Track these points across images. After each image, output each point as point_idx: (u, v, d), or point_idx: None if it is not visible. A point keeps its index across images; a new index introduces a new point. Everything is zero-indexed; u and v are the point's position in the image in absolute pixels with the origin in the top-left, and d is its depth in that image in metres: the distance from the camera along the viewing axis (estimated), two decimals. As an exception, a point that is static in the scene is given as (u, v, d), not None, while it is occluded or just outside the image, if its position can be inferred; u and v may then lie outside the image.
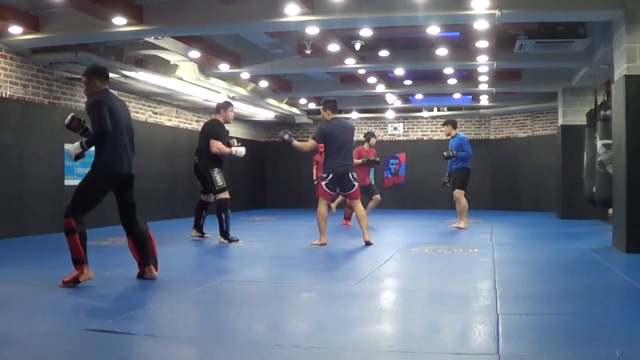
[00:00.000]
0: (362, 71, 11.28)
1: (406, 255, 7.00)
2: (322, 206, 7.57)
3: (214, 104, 9.38)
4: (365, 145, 11.02)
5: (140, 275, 5.06)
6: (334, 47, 9.37)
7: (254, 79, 12.27)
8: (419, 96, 14.81)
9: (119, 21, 7.57)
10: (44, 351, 3.09)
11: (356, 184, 7.67)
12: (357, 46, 9.77)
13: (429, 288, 5.07)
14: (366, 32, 9.02)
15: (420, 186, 16.26)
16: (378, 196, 10.91)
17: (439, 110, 16.40)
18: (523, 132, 15.70)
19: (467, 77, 12.34)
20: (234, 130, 15.63)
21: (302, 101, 15.18)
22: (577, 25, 8.44)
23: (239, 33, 9.82)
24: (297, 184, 16.65)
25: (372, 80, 12.19)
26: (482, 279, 5.38)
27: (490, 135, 16.44)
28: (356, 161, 9.04)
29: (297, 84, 13.40)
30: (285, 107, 15.19)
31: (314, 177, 11.63)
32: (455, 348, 3.16)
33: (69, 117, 4.99)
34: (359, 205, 7.77)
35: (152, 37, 8.86)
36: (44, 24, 8.00)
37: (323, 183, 7.58)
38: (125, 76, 9.88)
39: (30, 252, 7.28)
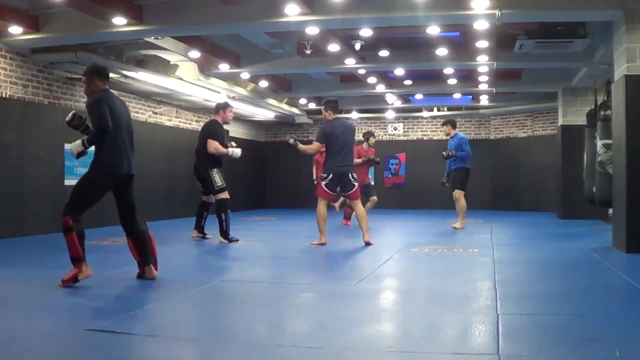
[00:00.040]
0: (362, 71, 11.28)
1: (406, 255, 7.00)
2: (321, 206, 7.57)
3: (214, 104, 9.38)
4: (365, 145, 11.02)
5: (140, 275, 5.06)
6: (334, 47, 9.37)
7: (254, 79, 12.27)
8: (419, 96, 14.81)
9: (119, 21, 7.57)
10: (44, 351, 3.09)
11: (356, 184, 7.67)
12: (357, 46, 9.77)
13: (429, 288, 5.07)
14: (366, 32, 9.02)
15: (420, 186, 16.26)
16: (375, 197, 10.91)
17: (439, 110, 16.40)
18: (523, 132, 15.70)
19: (467, 77, 12.34)
20: (234, 130, 15.64)
21: (302, 101, 15.18)
22: (577, 25, 8.44)
23: (239, 33, 9.82)
24: (297, 184, 16.65)
25: (372, 80, 12.19)
26: (482, 279, 5.38)
27: (490, 135, 16.44)
28: (356, 160, 9.04)
29: (297, 84, 13.40)
30: (285, 107, 15.19)
31: (314, 177, 11.63)
32: (455, 348, 3.16)
33: (70, 114, 5.00)
34: (359, 205, 7.77)
35: (152, 37, 8.86)
36: (44, 24, 8.00)
37: (323, 183, 7.58)
38: (125, 76, 9.88)
39: (30, 252, 7.28)
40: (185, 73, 10.84)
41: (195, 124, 13.56)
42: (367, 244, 7.52)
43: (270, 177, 17.63)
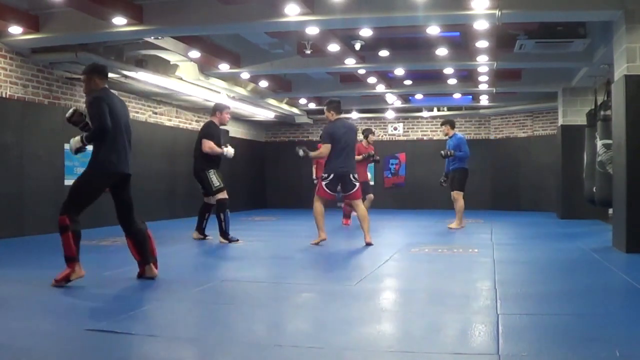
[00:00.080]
0: (362, 71, 11.28)
1: (406, 255, 7.00)
2: (317, 203, 7.61)
3: (213, 104, 9.39)
4: (364, 142, 11.06)
5: (141, 275, 5.06)
6: (334, 47, 9.37)
7: (254, 79, 12.27)
8: (419, 96, 14.81)
9: (119, 21, 7.57)
10: (44, 351, 3.09)
11: (357, 184, 7.69)
12: (357, 46, 9.77)
13: (429, 288, 5.07)
14: (366, 32, 9.02)
15: (420, 186, 16.26)
16: (371, 195, 10.91)
17: (439, 110, 16.40)
18: (523, 132, 15.70)
19: (467, 77, 12.34)
20: (234, 130, 15.66)
21: (302, 101, 15.18)
22: (577, 25, 8.44)
23: (239, 33, 9.82)
24: (297, 184, 16.66)
25: (372, 80, 12.19)
26: (482, 279, 5.38)
27: (490, 135, 16.44)
28: (356, 157, 9.05)
29: (297, 84, 13.41)
30: (285, 107, 15.20)
31: (314, 177, 11.64)
32: (455, 348, 3.16)
33: (71, 110, 5.00)
34: (360, 205, 7.78)
35: (152, 37, 8.86)
36: (44, 24, 8.00)
37: (323, 183, 7.59)
38: (125, 76, 9.89)
39: (30, 252, 7.28)
40: (185, 73, 10.84)
41: (195, 124, 13.57)
42: (368, 244, 7.52)
43: (270, 177, 17.64)
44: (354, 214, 10.21)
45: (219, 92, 12.05)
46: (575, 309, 4.08)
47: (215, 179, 7.90)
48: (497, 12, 7.05)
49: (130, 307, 4.11)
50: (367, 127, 12.25)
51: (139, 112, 11.77)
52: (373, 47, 9.97)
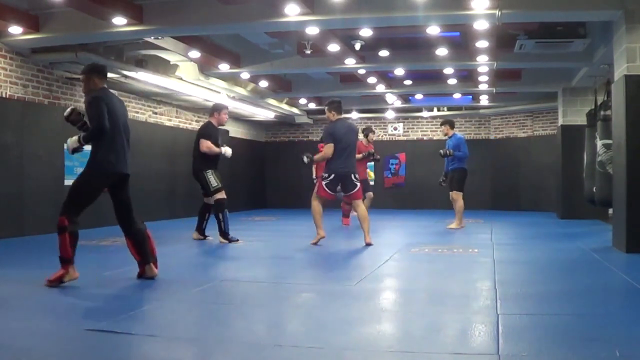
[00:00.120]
0: (362, 71, 11.28)
1: (406, 255, 7.00)
2: (315, 202, 7.63)
3: (212, 105, 9.40)
4: (364, 141, 11.08)
5: (141, 275, 5.06)
6: (334, 47, 9.37)
7: (254, 79, 12.27)
8: (419, 96, 14.81)
9: (119, 21, 7.57)
10: (44, 351, 3.09)
11: (358, 184, 7.70)
12: (357, 46, 9.77)
13: (429, 288, 5.06)
14: (366, 32, 9.02)
15: (420, 186, 16.26)
16: (371, 193, 10.92)
17: (439, 110, 16.40)
18: (523, 132, 15.70)
19: (467, 77, 12.34)
20: (234, 130, 15.66)
21: (302, 101, 15.18)
22: (577, 25, 8.44)
23: (239, 33, 9.82)
24: (297, 184, 16.65)
25: (372, 80, 12.19)
26: (482, 279, 5.38)
27: (490, 135, 16.44)
28: (356, 156, 9.06)
29: (297, 84, 13.41)
30: (285, 107, 15.20)
31: (314, 176, 11.64)
32: (455, 348, 3.16)
33: (69, 109, 5.00)
34: (361, 206, 7.78)
35: (152, 37, 8.86)
36: (44, 24, 8.00)
37: (323, 182, 7.59)
38: (125, 76, 9.89)
39: (30, 252, 7.28)
40: (185, 73, 10.85)
41: (195, 124, 13.56)
42: (368, 244, 7.52)
43: (270, 177, 17.64)
44: (353, 213, 10.22)
45: (219, 92, 12.05)
46: (575, 309, 4.08)
47: (213, 179, 7.91)
48: (497, 12, 7.05)
49: (130, 307, 4.11)
50: (367, 126, 12.26)
51: (139, 112, 11.77)
52: (373, 47, 9.97)
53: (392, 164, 16.89)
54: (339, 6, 7.24)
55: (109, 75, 9.34)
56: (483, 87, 12.55)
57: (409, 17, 7.49)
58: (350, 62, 10.21)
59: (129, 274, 5.13)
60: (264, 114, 15.37)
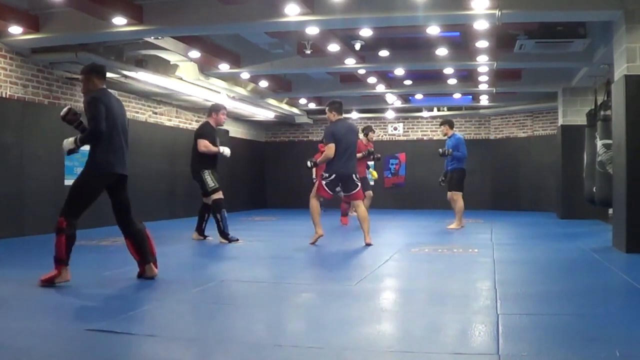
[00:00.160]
0: (362, 71, 11.28)
1: (406, 255, 7.00)
2: (314, 200, 7.65)
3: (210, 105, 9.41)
4: (364, 139, 11.09)
5: (141, 275, 5.06)
6: (334, 47, 9.37)
7: (254, 79, 12.27)
8: (419, 96, 14.81)
9: (119, 21, 7.57)
10: (44, 351, 3.09)
11: (359, 184, 7.71)
12: (357, 46, 9.77)
13: (429, 288, 5.06)
14: (366, 32, 9.02)
15: (420, 186, 16.26)
16: (370, 192, 10.92)
17: (439, 110, 16.40)
18: (523, 132, 15.70)
19: (467, 77, 12.34)
20: (234, 130, 15.66)
21: (302, 101, 15.18)
22: (577, 25, 8.44)
23: (239, 33, 9.82)
24: (297, 184, 16.63)
25: (372, 80, 12.19)
26: (482, 279, 5.38)
27: (490, 135, 16.44)
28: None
29: (297, 84, 13.41)
30: (285, 107, 15.19)
31: (314, 177, 11.65)
32: (455, 348, 3.16)
33: (65, 109, 5.01)
34: (361, 206, 7.78)
35: (152, 37, 8.86)
36: (44, 24, 8.00)
37: (324, 182, 7.60)
38: (125, 76, 9.89)
39: (30, 252, 7.28)
40: (185, 73, 10.85)
41: (195, 124, 13.55)
42: (368, 244, 7.52)
43: (270, 177, 17.63)
44: (352, 214, 10.22)
45: (219, 92, 12.05)
46: (575, 309, 4.08)
47: (210, 179, 7.92)
48: (497, 12, 7.05)
49: (130, 307, 4.11)
50: (367, 125, 12.26)
51: (139, 112, 11.77)
52: (373, 47, 9.97)
53: (392, 164, 16.89)
54: (339, 6, 7.24)
55: (109, 75, 9.37)
56: (483, 87, 12.55)
57: (409, 17, 7.49)
58: (350, 62, 10.21)
59: (129, 274, 5.13)
60: (264, 114, 15.37)
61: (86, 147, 4.94)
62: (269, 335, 3.58)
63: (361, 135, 10.84)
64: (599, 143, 8.13)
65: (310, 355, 3.10)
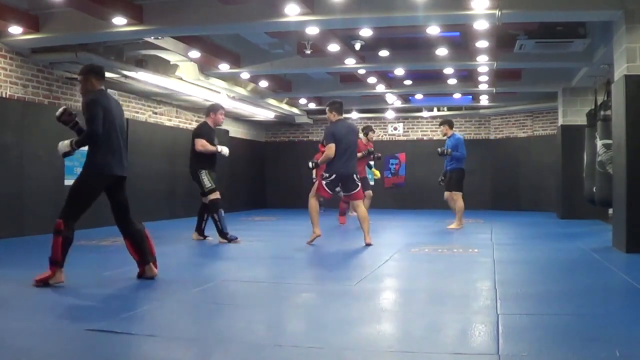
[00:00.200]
0: (362, 71, 11.28)
1: (406, 255, 7.00)
2: (313, 199, 7.66)
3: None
4: (364, 139, 11.10)
5: (141, 275, 5.06)
6: (334, 47, 9.37)
7: (254, 79, 12.27)
8: (419, 96, 14.81)
9: (119, 21, 7.57)
10: (44, 351, 3.09)
11: (359, 184, 7.72)
12: (357, 46, 9.77)
13: (429, 288, 5.07)
14: (366, 32, 9.02)
15: (420, 186, 16.25)
16: (370, 192, 10.93)
17: (439, 110, 16.39)
18: (523, 132, 15.70)
19: (467, 77, 12.34)
20: (234, 130, 15.66)
21: (302, 101, 15.18)
22: (577, 25, 8.44)
23: (239, 33, 9.82)
24: (297, 184, 16.62)
25: (372, 80, 12.19)
26: (482, 279, 5.38)
27: (490, 135, 16.44)
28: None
29: (297, 84, 13.41)
30: (285, 107, 15.20)
31: (314, 177, 11.65)
32: (455, 348, 3.16)
33: (60, 109, 4.99)
34: (361, 206, 7.78)
35: (152, 37, 8.86)
36: (44, 24, 8.00)
37: (324, 182, 7.60)
38: (125, 76, 9.88)
39: (30, 252, 7.28)
40: (185, 73, 10.85)
41: (195, 124, 13.54)
42: (368, 245, 7.52)
43: (270, 177, 17.63)
44: (352, 214, 10.22)
45: (219, 92, 12.04)
46: (575, 309, 4.08)
47: (207, 179, 7.91)
48: (497, 12, 7.05)
49: (130, 307, 4.11)
50: (366, 125, 12.26)
51: (139, 112, 11.77)
52: (373, 47, 9.97)
53: (392, 164, 16.89)
54: (339, 6, 7.24)
55: (109, 75, 9.38)
56: (483, 87, 12.55)
57: (409, 17, 7.49)
58: (350, 62, 10.22)
59: (129, 274, 5.13)
60: (264, 114, 15.37)
61: (83, 149, 4.93)
62: (269, 335, 3.58)
63: (361, 135, 10.84)
64: (599, 143, 8.13)
65: (310, 355, 3.10)
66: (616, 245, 7.11)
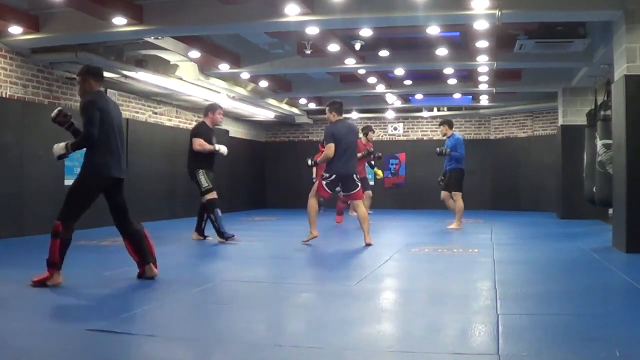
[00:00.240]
0: (362, 71, 11.28)
1: (406, 255, 7.00)
2: (312, 200, 7.68)
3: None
4: (363, 139, 11.11)
5: (141, 275, 5.06)
6: (334, 47, 9.37)
7: (254, 79, 12.27)
8: (419, 96, 14.81)
9: (119, 21, 7.57)
10: (44, 351, 3.09)
11: (359, 184, 7.72)
12: (357, 46, 9.77)
13: (429, 288, 5.07)
14: (366, 32, 9.02)
15: (420, 186, 16.25)
16: (370, 192, 10.94)
17: (439, 110, 16.39)
18: (523, 132, 15.70)
19: (467, 77, 12.34)
20: (234, 130, 15.66)
21: (302, 101, 15.18)
22: (577, 25, 8.44)
23: (239, 33, 9.82)
24: (297, 184, 16.62)
25: (372, 80, 12.19)
26: (482, 279, 5.38)
27: (490, 135, 16.44)
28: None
29: (297, 84, 13.41)
30: (285, 107, 15.20)
31: (314, 177, 11.66)
32: (455, 348, 3.16)
33: (56, 110, 5.00)
34: (361, 206, 7.79)
35: (152, 37, 8.86)
36: (44, 24, 8.00)
37: (324, 182, 7.61)
38: (125, 76, 9.88)
39: (30, 252, 7.27)
40: (185, 73, 10.85)
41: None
42: (368, 245, 7.52)
43: (270, 177, 17.63)
44: (352, 214, 10.23)
45: (219, 92, 12.04)
46: (575, 309, 4.08)
47: (204, 179, 7.91)
48: (497, 12, 7.05)
49: (130, 307, 4.11)
50: (366, 125, 12.26)
51: (139, 112, 11.77)
52: (373, 47, 9.97)
53: (392, 164, 16.88)
54: (339, 6, 7.24)
55: (109, 75, 9.38)
56: (483, 87, 12.55)
57: (409, 17, 7.49)
58: (350, 62, 10.22)
59: (129, 274, 5.13)
60: (264, 114, 15.37)
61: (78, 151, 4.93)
62: (269, 335, 3.58)
63: (361, 135, 10.85)
64: (599, 143, 8.13)
65: (310, 355, 3.10)
66: (616, 245, 7.11)
